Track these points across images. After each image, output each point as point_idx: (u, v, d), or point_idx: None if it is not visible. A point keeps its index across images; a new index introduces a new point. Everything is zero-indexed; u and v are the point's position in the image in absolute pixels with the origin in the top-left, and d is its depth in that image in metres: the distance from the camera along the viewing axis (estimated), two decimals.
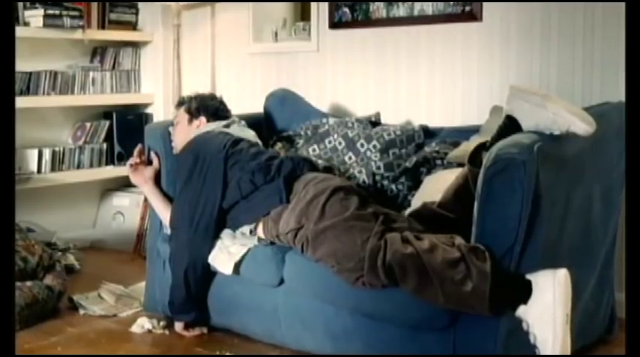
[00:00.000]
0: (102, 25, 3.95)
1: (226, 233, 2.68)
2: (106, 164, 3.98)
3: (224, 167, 2.65)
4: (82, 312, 3.01)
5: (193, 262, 2.65)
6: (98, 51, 4.06)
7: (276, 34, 3.76)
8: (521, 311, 2.01)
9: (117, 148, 3.98)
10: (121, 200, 4.11)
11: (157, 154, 2.90)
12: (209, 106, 2.92)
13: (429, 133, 2.99)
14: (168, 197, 2.85)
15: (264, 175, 2.60)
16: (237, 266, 2.59)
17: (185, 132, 2.87)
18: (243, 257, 2.59)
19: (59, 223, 3.84)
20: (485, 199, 2.07)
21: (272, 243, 2.58)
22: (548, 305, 1.95)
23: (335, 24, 3.53)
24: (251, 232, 2.62)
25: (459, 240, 2.13)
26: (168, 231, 2.81)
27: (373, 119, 3.17)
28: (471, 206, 2.12)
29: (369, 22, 3.41)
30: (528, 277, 2.03)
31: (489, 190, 2.06)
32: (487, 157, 2.06)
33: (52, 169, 3.78)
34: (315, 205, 2.37)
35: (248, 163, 2.65)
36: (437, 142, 2.83)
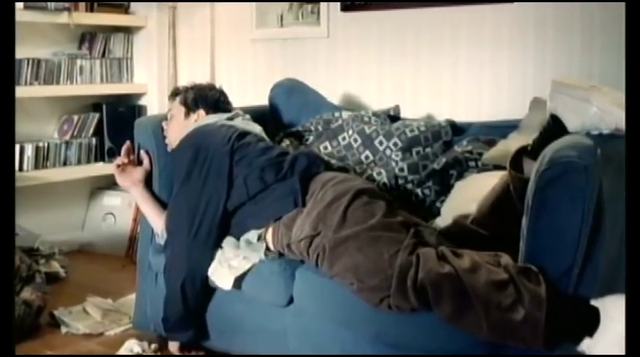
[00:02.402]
0: (90, 8, 3.76)
1: (228, 242, 2.36)
2: (95, 161, 3.81)
3: (229, 162, 2.35)
4: (64, 330, 2.75)
5: (192, 273, 2.35)
6: (86, 37, 3.88)
7: (281, 18, 3.55)
8: (586, 345, 1.68)
9: (107, 143, 3.80)
10: (111, 200, 3.93)
11: (147, 152, 2.62)
12: (208, 97, 2.63)
13: (456, 129, 2.71)
14: (161, 202, 2.57)
15: (275, 172, 2.31)
16: (238, 280, 2.30)
17: (181, 127, 2.57)
18: (246, 272, 2.30)
19: (44, 225, 3.63)
20: (537, 210, 1.76)
21: (281, 255, 2.26)
22: (621, 338, 1.62)
23: (347, 6, 3.31)
24: (259, 238, 2.30)
25: (505, 259, 1.82)
26: (161, 240, 2.53)
27: (392, 113, 2.91)
28: (511, 221, 1.84)
29: (385, 4, 3.18)
30: (594, 303, 1.70)
31: (543, 200, 1.75)
32: (540, 161, 1.76)
33: (36, 167, 3.60)
34: (335, 209, 2.07)
35: (256, 159, 2.35)
36: (468, 139, 2.52)
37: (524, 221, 1.79)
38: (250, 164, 2.35)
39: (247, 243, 2.34)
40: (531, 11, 2.83)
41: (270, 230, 2.28)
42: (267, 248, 2.29)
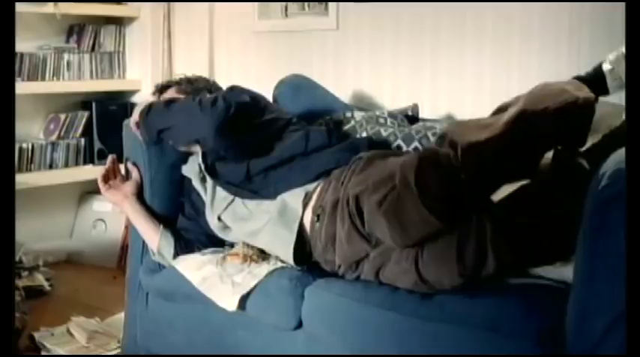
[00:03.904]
0: None
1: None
2: (84, 163, 3.70)
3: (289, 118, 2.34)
4: (44, 355, 2.55)
5: None
6: (74, 29, 3.76)
7: (286, 8, 3.41)
8: None
9: (97, 145, 3.70)
10: (102, 205, 3.80)
11: (134, 164, 2.40)
12: (204, 90, 2.43)
13: None
14: (155, 216, 2.36)
15: (341, 135, 2.37)
16: (243, 300, 2.08)
17: None
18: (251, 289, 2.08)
19: (29, 233, 3.45)
20: (595, 233, 1.51)
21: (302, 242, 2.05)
22: None
23: None
24: (305, 196, 2.08)
25: None
26: (155, 258, 2.33)
27: (410, 113, 2.69)
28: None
29: None
30: None
31: (603, 221, 1.49)
32: (599, 176, 1.50)
33: (20, 170, 3.49)
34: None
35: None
36: None
37: (579, 245, 1.53)
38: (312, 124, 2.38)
39: (282, 209, 2.10)
40: (566, 5, 2.62)
41: (318, 188, 2.08)
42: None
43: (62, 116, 3.63)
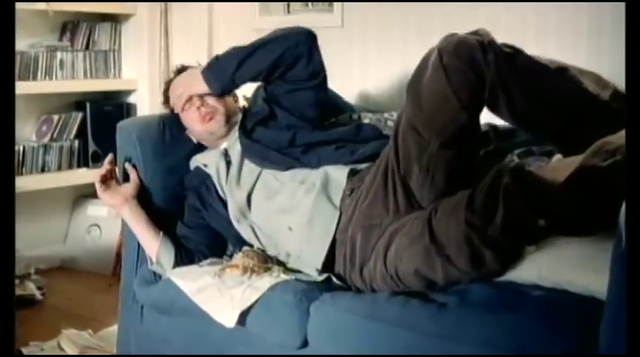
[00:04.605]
0: None
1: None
2: (78, 166, 3.65)
3: None
4: None
5: None
6: (68, 26, 3.71)
7: (288, 4, 3.34)
8: None
9: (91, 147, 3.64)
10: (96, 210, 3.74)
11: (134, 166, 2.28)
12: None
13: (499, 134, 2.29)
14: (155, 221, 2.24)
15: None
16: (243, 315, 1.95)
17: (232, 109, 2.27)
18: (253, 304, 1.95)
19: (21, 238, 3.27)
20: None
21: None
22: None
23: None
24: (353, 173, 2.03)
25: None
26: (154, 267, 2.21)
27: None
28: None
29: None
30: None
31: None
32: None
33: None
34: None
35: None
36: (519, 152, 2.11)
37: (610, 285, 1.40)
38: None
39: (325, 180, 2.04)
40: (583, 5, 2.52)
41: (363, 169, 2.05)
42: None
43: (55, 117, 3.59)
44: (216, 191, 2.20)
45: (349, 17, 3.08)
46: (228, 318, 1.96)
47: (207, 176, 2.22)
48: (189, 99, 2.20)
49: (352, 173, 2.02)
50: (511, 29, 2.67)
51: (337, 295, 1.86)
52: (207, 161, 2.23)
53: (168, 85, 2.34)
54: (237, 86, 2.19)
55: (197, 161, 2.27)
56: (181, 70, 2.33)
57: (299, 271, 2.02)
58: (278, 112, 2.20)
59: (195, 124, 2.21)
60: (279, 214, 2.06)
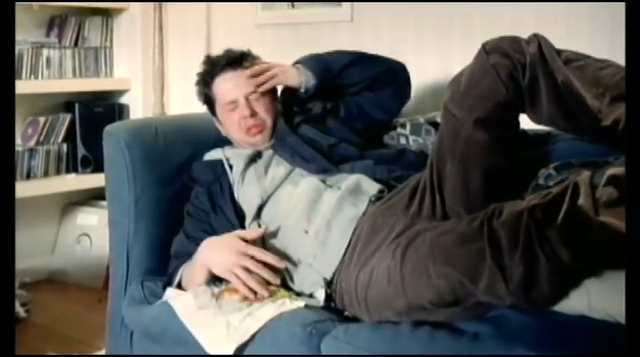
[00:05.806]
0: None
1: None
2: (67, 172, 3.58)
3: None
4: None
5: None
6: (55, 21, 3.64)
7: None
8: None
9: (81, 151, 3.57)
10: (87, 218, 3.69)
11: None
12: None
13: (529, 140, 2.08)
14: (141, 240, 2.16)
15: None
16: (241, 348, 1.77)
17: (274, 108, 2.19)
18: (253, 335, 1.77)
19: None
20: None
21: None
22: None
23: None
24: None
25: None
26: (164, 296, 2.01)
27: (438, 119, 2.41)
28: None
29: None
30: None
31: None
32: None
33: None
34: None
35: None
36: (556, 165, 1.88)
37: None
38: None
39: (355, 186, 1.97)
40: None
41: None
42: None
43: (41, 119, 3.51)
44: (231, 193, 2.07)
45: (359, 11, 2.96)
46: (222, 350, 1.78)
47: (223, 174, 2.10)
48: (235, 101, 2.12)
49: (385, 186, 1.98)
50: (516, 28, 2.49)
51: (352, 330, 1.67)
52: (231, 155, 2.13)
53: (212, 69, 2.22)
54: (334, 83, 2.19)
55: (219, 154, 2.15)
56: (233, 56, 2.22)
57: (299, 294, 1.87)
58: (331, 118, 2.20)
59: (237, 133, 2.13)
60: (297, 216, 1.96)
